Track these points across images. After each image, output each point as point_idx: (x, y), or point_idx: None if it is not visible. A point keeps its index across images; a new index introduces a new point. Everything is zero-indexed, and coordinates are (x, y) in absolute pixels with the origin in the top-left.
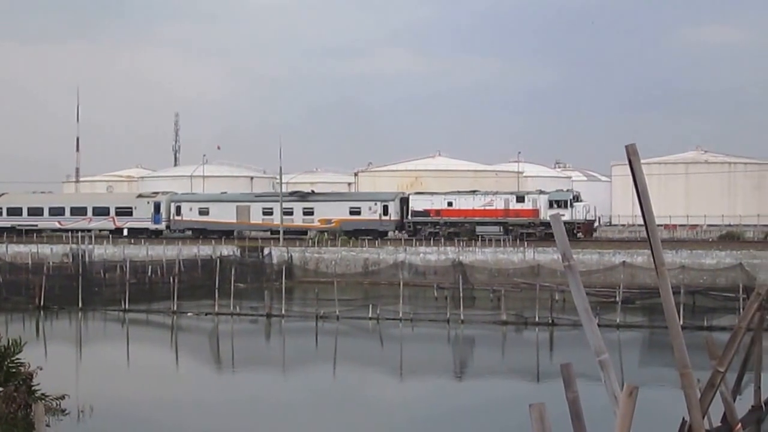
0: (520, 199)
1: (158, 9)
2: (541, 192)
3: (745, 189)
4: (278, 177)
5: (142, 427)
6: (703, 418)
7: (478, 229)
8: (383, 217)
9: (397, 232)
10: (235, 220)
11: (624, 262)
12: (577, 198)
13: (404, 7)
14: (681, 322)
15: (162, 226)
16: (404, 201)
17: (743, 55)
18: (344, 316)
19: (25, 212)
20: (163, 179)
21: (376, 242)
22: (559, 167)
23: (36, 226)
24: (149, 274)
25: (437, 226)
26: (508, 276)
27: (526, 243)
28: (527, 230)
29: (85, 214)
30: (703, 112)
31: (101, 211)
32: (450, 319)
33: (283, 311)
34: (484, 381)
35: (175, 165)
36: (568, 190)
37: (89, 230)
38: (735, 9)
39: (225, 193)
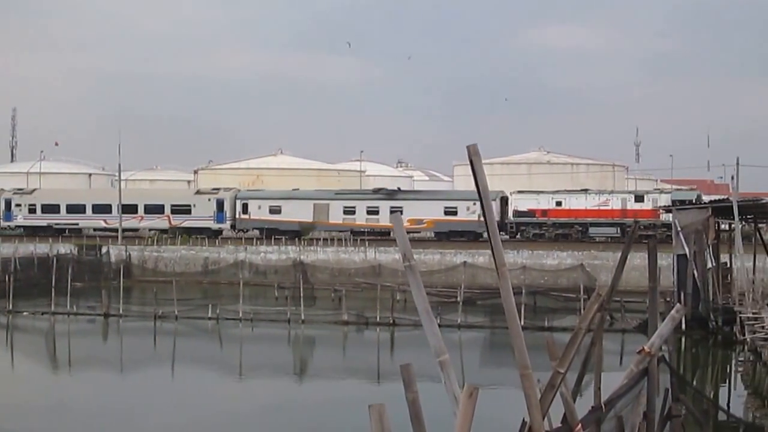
0: (639, 198)
1: None
2: (662, 192)
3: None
4: (117, 174)
5: None
6: (544, 418)
7: (592, 230)
8: (482, 218)
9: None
10: (311, 219)
11: (465, 262)
12: (699, 198)
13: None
14: (522, 323)
15: (226, 225)
16: (504, 200)
17: (585, 56)
18: (183, 316)
19: (63, 209)
20: None
21: (216, 241)
22: (401, 166)
23: (77, 225)
24: None
25: (544, 228)
26: (350, 276)
27: (367, 243)
28: (647, 232)
29: (136, 212)
30: (547, 114)
31: (154, 209)
32: (290, 319)
33: (121, 311)
34: (325, 381)
35: (12, 161)
36: (691, 189)
37: (137, 230)
38: (577, 11)
39: (297, 189)
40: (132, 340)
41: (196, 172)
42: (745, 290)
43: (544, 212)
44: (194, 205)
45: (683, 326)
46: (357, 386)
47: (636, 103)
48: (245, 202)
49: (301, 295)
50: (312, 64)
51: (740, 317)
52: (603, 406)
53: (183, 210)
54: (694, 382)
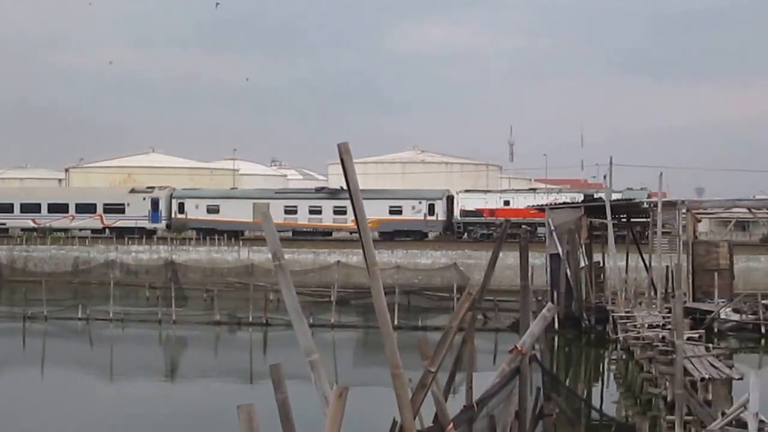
0: (589, 197)
1: None
2: (613, 191)
3: (462, 188)
4: None
5: None
6: (415, 418)
7: (541, 230)
8: (428, 217)
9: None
10: (251, 219)
11: (339, 261)
12: (649, 197)
13: None
14: (396, 322)
15: (162, 225)
16: (450, 199)
17: (460, 55)
18: (53, 316)
19: None
20: None
21: (87, 240)
22: (275, 165)
23: (4, 225)
24: None
25: (492, 228)
26: (222, 275)
27: (240, 242)
28: (598, 232)
29: (67, 212)
30: (422, 113)
31: (86, 208)
32: (162, 320)
33: None
34: (196, 382)
35: None
36: (642, 189)
37: (67, 230)
38: (453, 9)
39: (235, 188)
40: (0, 341)
41: (67, 170)
42: (618, 289)
43: (492, 212)
44: (128, 204)
45: (556, 325)
46: (229, 387)
47: (510, 103)
48: (181, 201)
49: (173, 295)
50: (183, 62)
51: (613, 316)
52: (475, 405)
53: (116, 209)
54: (567, 381)
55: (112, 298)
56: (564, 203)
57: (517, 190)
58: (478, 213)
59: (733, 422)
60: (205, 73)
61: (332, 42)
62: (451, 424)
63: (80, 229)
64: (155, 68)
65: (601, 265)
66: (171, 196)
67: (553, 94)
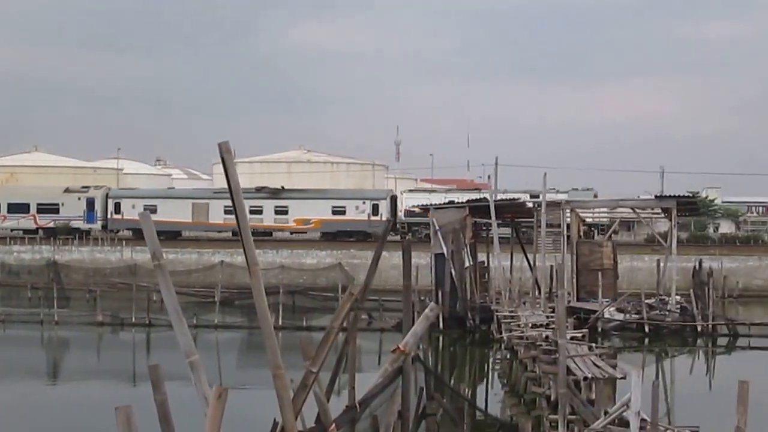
0: (535, 197)
1: None
2: (557, 191)
3: (348, 187)
4: None
5: None
6: (296, 418)
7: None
8: (373, 218)
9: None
10: (190, 220)
11: (222, 261)
12: (596, 197)
13: None
14: (280, 323)
15: (97, 225)
16: (394, 199)
17: (348, 55)
18: None
19: None
20: None
21: None
22: (160, 164)
23: None
24: None
25: None
26: (105, 276)
27: (124, 242)
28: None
29: None
30: (309, 113)
31: (19, 208)
32: (44, 321)
33: None
34: (78, 384)
35: None
36: (588, 189)
37: None
38: (345, 10)
39: (173, 188)
40: None
41: None
42: (502, 289)
43: None
44: (62, 204)
45: (441, 325)
46: (111, 388)
47: (398, 103)
48: (117, 201)
49: (55, 295)
50: (64, 60)
51: (497, 316)
52: (357, 406)
53: (50, 209)
54: (452, 381)
55: None
56: (450, 202)
57: (462, 190)
58: (422, 213)
59: (616, 421)
60: (92, 72)
61: (218, 39)
62: (333, 425)
63: (12, 230)
64: (35, 66)
65: (486, 264)
66: (107, 196)
67: (441, 95)
